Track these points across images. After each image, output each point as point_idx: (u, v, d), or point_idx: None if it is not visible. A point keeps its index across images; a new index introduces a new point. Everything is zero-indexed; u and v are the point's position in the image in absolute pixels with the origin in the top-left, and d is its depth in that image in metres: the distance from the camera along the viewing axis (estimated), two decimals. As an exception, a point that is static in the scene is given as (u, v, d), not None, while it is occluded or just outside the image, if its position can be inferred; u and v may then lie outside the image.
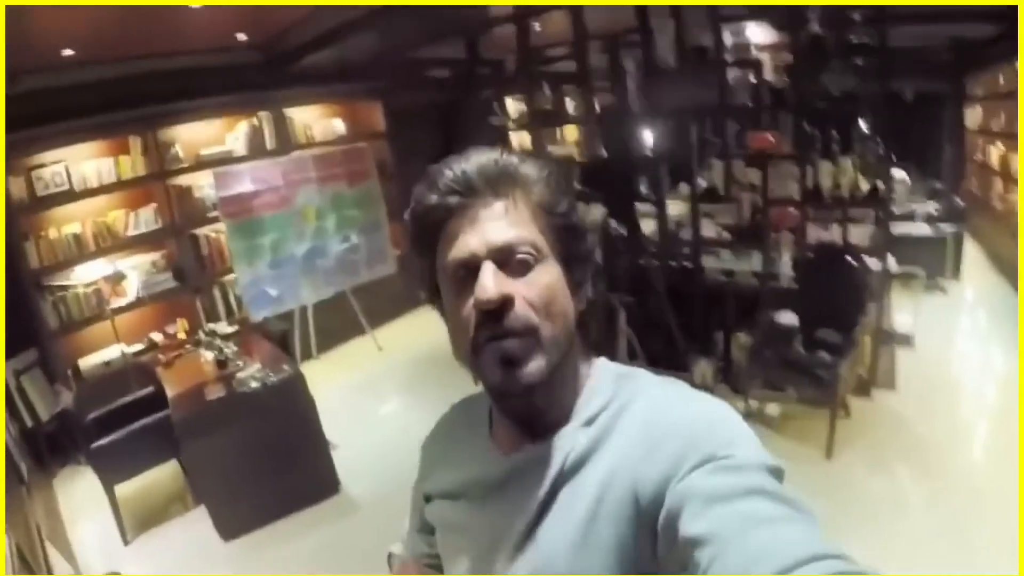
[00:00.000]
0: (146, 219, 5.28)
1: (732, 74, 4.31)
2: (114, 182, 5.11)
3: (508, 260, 0.73)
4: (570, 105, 6.98)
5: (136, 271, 5.26)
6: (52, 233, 4.85)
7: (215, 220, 5.43)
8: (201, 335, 4.65)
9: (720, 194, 4.61)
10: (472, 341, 0.73)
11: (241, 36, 5.20)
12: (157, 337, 5.23)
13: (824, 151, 4.18)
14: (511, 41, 4.85)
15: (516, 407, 0.80)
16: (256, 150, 5.78)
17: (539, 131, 5.15)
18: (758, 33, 4.86)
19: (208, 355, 4.09)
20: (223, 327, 4.91)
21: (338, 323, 6.23)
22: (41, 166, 4.75)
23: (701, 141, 4.72)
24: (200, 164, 5.45)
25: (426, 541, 0.96)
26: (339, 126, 6.67)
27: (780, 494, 0.60)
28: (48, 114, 4.57)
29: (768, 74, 4.28)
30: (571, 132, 8.64)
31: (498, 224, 0.74)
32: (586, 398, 0.79)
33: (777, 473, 0.64)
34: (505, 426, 0.83)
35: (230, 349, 4.12)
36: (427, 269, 0.80)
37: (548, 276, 0.75)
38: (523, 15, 4.89)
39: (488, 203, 0.75)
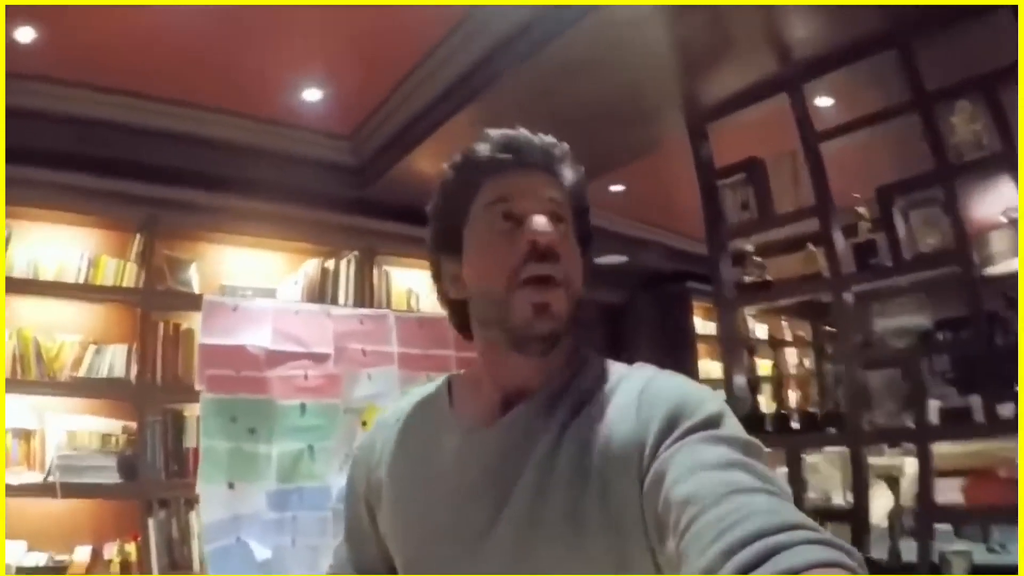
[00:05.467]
0: (112, 361, 3.14)
1: None
2: (80, 285, 3.11)
3: (553, 217, 0.79)
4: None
5: (65, 436, 2.98)
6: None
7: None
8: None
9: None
10: (513, 276, 0.76)
11: (313, 94, 3.31)
12: (82, 556, 2.92)
13: None
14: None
15: (517, 365, 0.81)
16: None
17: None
18: None
19: None
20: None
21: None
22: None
23: None
24: (220, 301, 3.30)
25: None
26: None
27: (759, 470, 0.62)
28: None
29: None
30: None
31: (548, 187, 0.81)
32: (573, 369, 0.83)
33: (757, 450, 0.66)
34: (481, 399, 0.84)
35: None
36: (456, 214, 0.83)
37: (575, 244, 0.82)
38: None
39: (537, 169, 0.82)
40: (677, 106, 3.12)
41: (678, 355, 5.97)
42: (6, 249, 2.89)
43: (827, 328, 2.63)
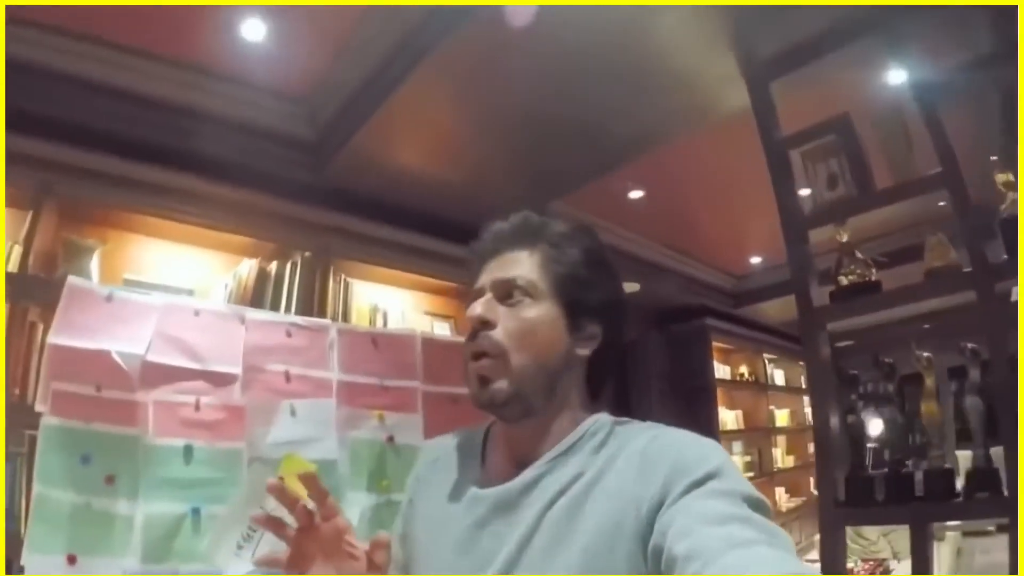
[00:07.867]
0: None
1: None
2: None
3: (505, 294, 0.87)
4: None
5: None
6: None
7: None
8: None
9: None
10: (465, 354, 0.87)
11: (255, 29, 2.49)
12: None
13: None
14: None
15: (509, 432, 0.89)
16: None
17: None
18: None
19: None
20: None
21: None
22: None
23: None
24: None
25: None
26: (443, 332, 3.63)
27: (760, 522, 0.64)
28: None
29: None
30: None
31: (508, 265, 0.89)
32: (578, 435, 0.85)
33: (759, 504, 0.67)
34: (498, 457, 0.91)
35: None
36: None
37: (536, 313, 0.86)
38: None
39: (511, 249, 0.91)
40: (714, 67, 2.36)
41: (695, 401, 5.18)
42: None
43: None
